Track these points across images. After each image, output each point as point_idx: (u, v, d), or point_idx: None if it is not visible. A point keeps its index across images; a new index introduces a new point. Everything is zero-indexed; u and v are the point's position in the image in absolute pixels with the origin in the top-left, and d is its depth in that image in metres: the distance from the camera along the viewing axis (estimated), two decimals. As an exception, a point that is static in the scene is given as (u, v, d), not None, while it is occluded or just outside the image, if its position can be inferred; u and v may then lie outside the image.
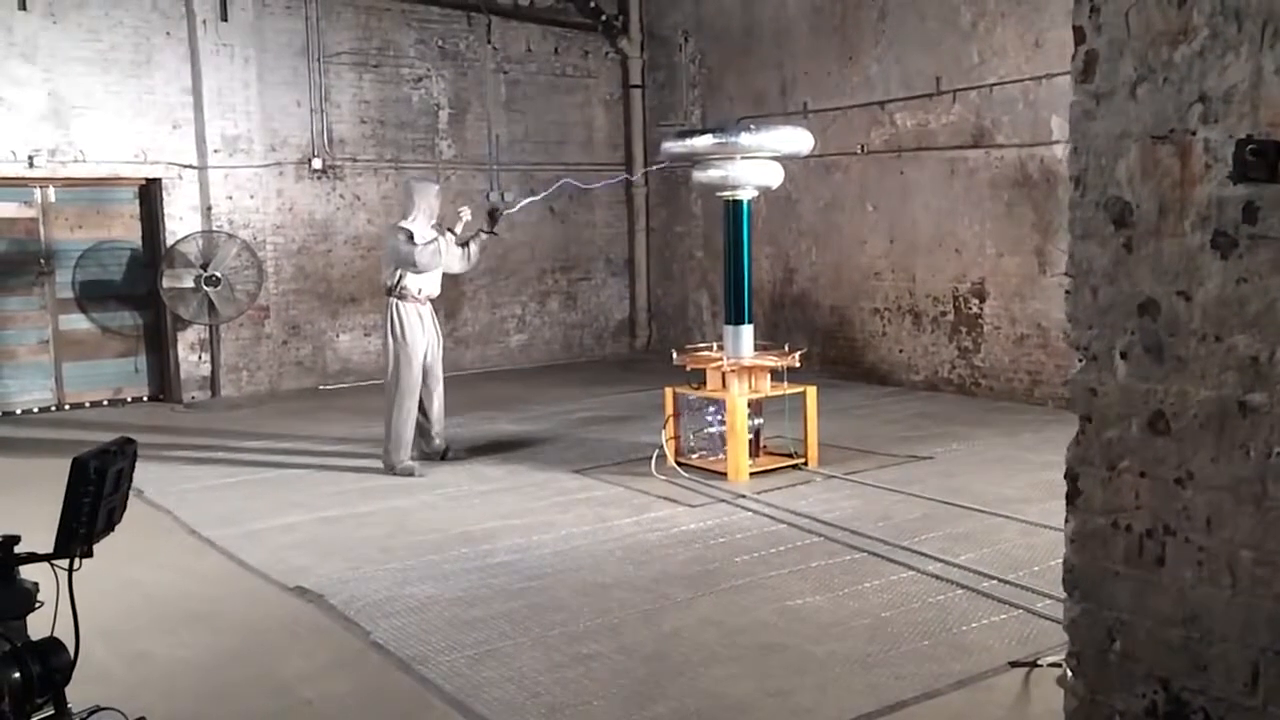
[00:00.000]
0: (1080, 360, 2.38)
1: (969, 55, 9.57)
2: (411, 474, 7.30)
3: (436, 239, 7.33)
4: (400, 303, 7.41)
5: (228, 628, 4.72)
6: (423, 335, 7.47)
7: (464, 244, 7.67)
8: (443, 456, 7.70)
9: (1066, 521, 2.45)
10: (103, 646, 4.50)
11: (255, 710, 3.91)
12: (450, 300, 7.82)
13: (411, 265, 7.26)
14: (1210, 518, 2.19)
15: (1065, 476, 2.43)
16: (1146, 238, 2.24)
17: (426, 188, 7.66)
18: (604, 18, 12.87)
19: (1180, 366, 2.20)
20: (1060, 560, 2.56)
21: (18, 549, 2.44)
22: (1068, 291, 2.41)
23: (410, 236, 7.33)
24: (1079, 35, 2.33)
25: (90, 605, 5.09)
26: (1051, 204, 9.01)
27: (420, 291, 7.47)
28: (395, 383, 7.41)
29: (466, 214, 7.60)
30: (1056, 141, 8.85)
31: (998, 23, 9.31)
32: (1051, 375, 9.13)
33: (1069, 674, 2.50)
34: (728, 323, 7.47)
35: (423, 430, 7.63)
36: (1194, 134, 2.15)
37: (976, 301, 9.76)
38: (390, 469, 7.38)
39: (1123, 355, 2.30)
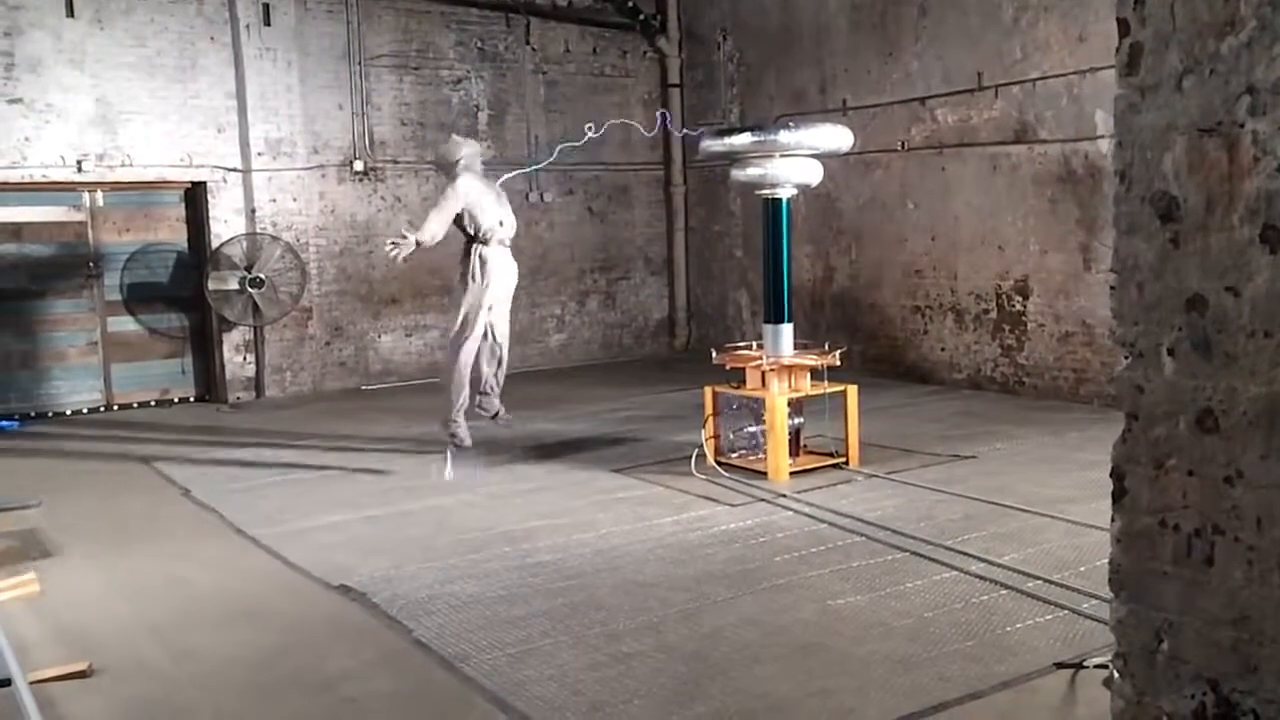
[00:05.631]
0: (1126, 357, 2.34)
1: (1011, 50, 9.47)
2: (455, 439, 7.27)
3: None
4: (483, 247, 7.39)
5: (272, 625, 4.77)
6: (500, 279, 7.43)
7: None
8: (494, 417, 7.70)
9: (1113, 520, 2.41)
10: (151, 642, 4.57)
11: (299, 707, 3.95)
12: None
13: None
14: (1260, 517, 2.14)
15: (1111, 475, 2.39)
16: (1193, 232, 2.20)
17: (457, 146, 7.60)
18: (642, 17, 12.88)
19: (1229, 363, 2.16)
20: (1106, 560, 2.52)
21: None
22: (1113, 287, 2.37)
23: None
24: (1123, 27, 2.30)
25: (138, 602, 5.20)
26: (1096, 200, 8.90)
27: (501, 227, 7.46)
28: (459, 330, 7.39)
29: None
30: (1101, 136, 8.74)
31: (1041, 17, 9.21)
32: (1097, 373, 9.02)
33: (1115, 675, 2.46)
34: (767, 322, 7.45)
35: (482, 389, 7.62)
36: (1242, 126, 2.11)
37: (1020, 299, 9.66)
38: (444, 427, 7.36)
39: (1170, 352, 2.26)
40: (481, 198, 7.38)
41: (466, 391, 7.41)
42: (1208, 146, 2.17)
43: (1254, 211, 2.11)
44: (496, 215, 7.43)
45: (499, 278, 7.44)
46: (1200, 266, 2.20)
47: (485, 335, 7.49)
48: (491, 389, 7.66)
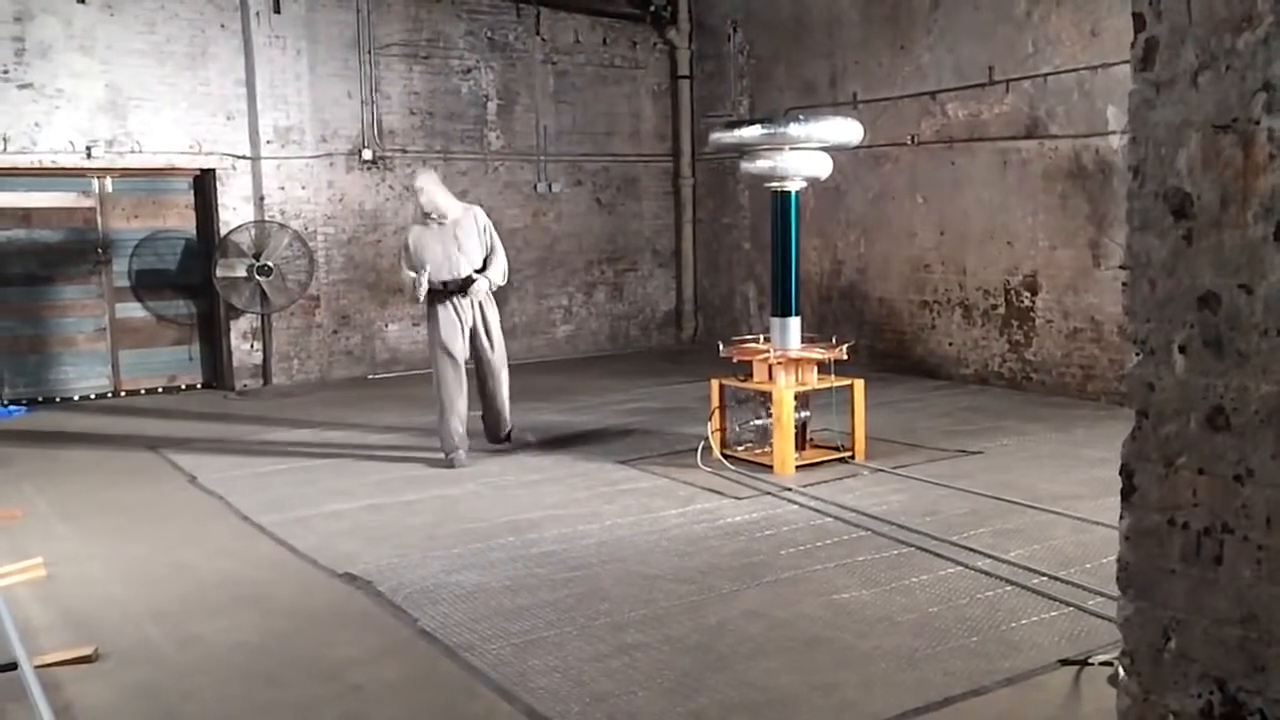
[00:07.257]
0: (1137, 354, 2.33)
1: (1023, 44, 9.43)
2: (452, 465, 7.32)
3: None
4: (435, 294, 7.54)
5: (278, 612, 4.78)
6: (456, 323, 7.44)
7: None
8: (507, 438, 7.82)
9: (1121, 518, 2.40)
10: (156, 628, 4.59)
11: (304, 694, 3.96)
12: (498, 290, 7.78)
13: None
14: (1270, 516, 2.14)
15: (1121, 472, 2.39)
16: (1207, 229, 2.19)
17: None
18: (652, 8, 12.85)
19: (1241, 361, 2.15)
20: (1112, 557, 2.52)
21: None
22: (1125, 284, 2.36)
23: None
24: (1139, 22, 2.28)
25: (144, 588, 5.20)
26: (1106, 196, 8.87)
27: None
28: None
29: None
30: (1112, 132, 8.70)
31: (1053, 11, 9.17)
32: (1105, 370, 9.00)
33: (1121, 673, 2.46)
34: (774, 315, 7.43)
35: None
36: (1257, 123, 2.10)
37: (1028, 294, 9.63)
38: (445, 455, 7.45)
39: (1181, 349, 2.25)
40: (428, 245, 7.38)
41: (454, 423, 7.39)
42: (1223, 143, 2.15)
43: (1268, 209, 2.09)
44: (442, 266, 7.33)
45: (446, 324, 7.42)
46: (1213, 263, 2.19)
47: (481, 371, 7.61)
48: (493, 419, 7.78)
